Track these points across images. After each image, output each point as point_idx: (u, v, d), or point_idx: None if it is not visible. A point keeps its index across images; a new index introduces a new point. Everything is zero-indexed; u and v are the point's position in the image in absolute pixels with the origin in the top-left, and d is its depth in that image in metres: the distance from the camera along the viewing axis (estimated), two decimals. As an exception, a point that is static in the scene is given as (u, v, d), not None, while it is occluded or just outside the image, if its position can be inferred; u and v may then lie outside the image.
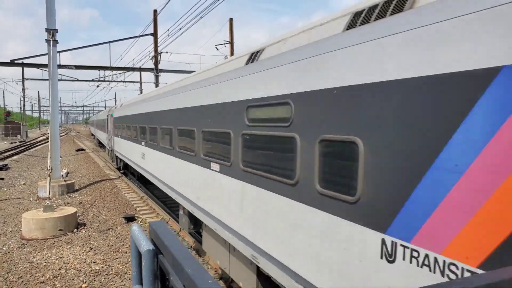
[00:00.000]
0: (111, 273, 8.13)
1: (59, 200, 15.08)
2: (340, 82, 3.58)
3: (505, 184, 2.21)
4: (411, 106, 2.84)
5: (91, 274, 8.09)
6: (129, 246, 9.54)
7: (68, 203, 14.61)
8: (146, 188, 18.31)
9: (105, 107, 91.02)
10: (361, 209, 3.30)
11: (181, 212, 9.87)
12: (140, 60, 62.04)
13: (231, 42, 31.80)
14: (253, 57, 5.67)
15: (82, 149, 40.57)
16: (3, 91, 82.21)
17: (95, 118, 58.18)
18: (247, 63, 5.76)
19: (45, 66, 28.17)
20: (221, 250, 7.05)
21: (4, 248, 9.75)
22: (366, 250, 3.25)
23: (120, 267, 8.46)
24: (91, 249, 9.59)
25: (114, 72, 36.45)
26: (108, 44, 31.73)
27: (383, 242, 3.09)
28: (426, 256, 2.68)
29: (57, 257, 9.02)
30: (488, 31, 2.30)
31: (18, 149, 38.09)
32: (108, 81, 41.05)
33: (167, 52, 31.59)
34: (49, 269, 8.33)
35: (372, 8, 3.52)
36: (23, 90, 53.25)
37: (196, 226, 9.16)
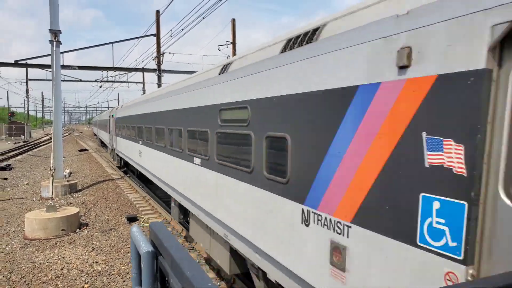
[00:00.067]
0: (113, 274, 8.15)
1: (62, 200, 15.12)
2: (277, 92, 4.67)
3: (362, 165, 3.28)
4: (314, 112, 3.91)
5: (93, 275, 8.10)
6: (131, 246, 9.53)
7: (70, 203, 14.65)
8: (148, 188, 18.34)
9: (108, 107, 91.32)
10: (289, 188, 4.38)
11: (172, 204, 10.94)
12: (143, 60, 62.24)
13: (234, 43, 31.83)
14: (224, 68, 6.68)
15: (85, 149, 40.68)
16: (7, 92, 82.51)
17: (98, 118, 58.70)
18: (220, 73, 6.78)
19: (48, 66, 28.28)
20: (204, 234, 8.09)
21: (7, 248, 9.79)
22: (293, 218, 4.32)
23: (122, 267, 8.47)
24: (93, 249, 9.61)
25: (117, 72, 36.56)
26: (111, 44, 31.85)
27: (302, 211, 4.15)
28: (325, 218, 3.78)
29: (59, 257, 9.04)
30: (354, 60, 3.41)
31: (22, 149, 38.24)
32: (111, 81, 41.19)
33: (169, 53, 31.65)
34: (51, 269, 8.36)
35: (296, 38, 4.53)
36: (27, 90, 53.44)
37: (185, 216, 10.02)
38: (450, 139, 2.57)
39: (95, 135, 65.92)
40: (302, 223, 4.15)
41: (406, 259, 2.86)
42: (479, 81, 2.38)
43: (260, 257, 5.20)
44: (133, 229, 2.24)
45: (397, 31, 3.02)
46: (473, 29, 2.41)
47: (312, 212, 3.97)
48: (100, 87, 46.77)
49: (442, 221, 2.62)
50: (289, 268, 4.49)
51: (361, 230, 3.34)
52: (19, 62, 31.08)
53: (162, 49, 31.25)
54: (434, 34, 2.70)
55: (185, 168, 8.78)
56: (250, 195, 5.41)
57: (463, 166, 2.48)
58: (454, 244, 2.53)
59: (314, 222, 3.95)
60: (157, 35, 31.53)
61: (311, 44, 4.11)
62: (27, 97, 59.02)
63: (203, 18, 19.78)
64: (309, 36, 4.24)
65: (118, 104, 45.79)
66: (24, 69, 35.15)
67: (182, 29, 22.75)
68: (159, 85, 31.83)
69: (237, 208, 5.90)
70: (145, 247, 1.96)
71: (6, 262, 8.78)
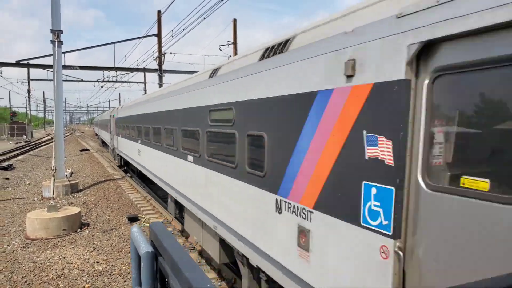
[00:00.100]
0: (114, 273, 8.15)
1: (63, 200, 15.14)
2: (255, 95, 5.24)
3: (320, 159, 3.84)
4: (284, 113, 4.50)
5: (94, 274, 8.11)
6: (132, 246, 9.53)
7: (72, 203, 14.67)
8: (149, 188, 18.35)
9: (109, 107, 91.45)
10: (266, 180, 4.95)
11: (169, 200, 11.59)
12: (144, 60, 62.23)
13: (235, 43, 31.83)
14: (213, 72, 7.27)
15: (87, 149, 40.74)
16: (9, 92, 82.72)
17: (99, 118, 58.93)
18: (209, 77, 7.34)
19: (50, 66, 28.33)
20: (196, 227, 8.60)
21: (8, 247, 9.81)
22: (269, 206, 4.88)
23: (123, 267, 8.47)
24: (94, 249, 9.62)
25: (118, 72, 36.60)
26: (113, 44, 31.88)
27: (276, 200, 4.71)
28: (294, 206, 4.33)
29: (60, 257, 9.06)
30: (314, 69, 3.96)
31: (23, 149, 38.30)
32: (112, 81, 41.22)
33: (171, 53, 31.66)
34: (52, 269, 8.37)
35: (271, 48, 5.10)
36: (29, 90, 53.54)
37: (181, 211, 10.51)
38: (382, 136, 3.12)
39: (96, 135, 66.01)
40: (276, 211, 4.77)
41: (353, 237, 3.44)
42: (401, 89, 2.94)
43: (244, 244, 5.73)
44: (133, 230, 2.23)
45: (345, 45, 3.57)
46: (396, 47, 2.99)
47: (284, 201, 4.58)
48: (102, 87, 46.83)
49: (378, 204, 3.19)
50: (266, 252, 5.08)
51: (321, 215, 3.92)
52: (21, 62, 31.13)
53: (163, 49, 31.28)
54: (371, 49, 3.25)
55: (179, 165, 9.33)
56: (235, 188, 6.02)
57: (392, 158, 3.04)
58: (386, 222, 3.09)
59: (285, 210, 4.56)
60: (159, 35, 31.56)
61: (282, 54, 4.72)
62: (29, 97, 59.12)
63: (204, 18, 19.79)
64: (281, 47, 4.84)
65: (120, 104, 45.90)
66: (26, 69, 35.19)
67: (184, 29, 22.76)
68: (161, 85, 31.86)
69: (224, 201, 6.47)
70: (144, 248, 1.96)
71: (8, 261, 8.80)
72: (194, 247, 10.12)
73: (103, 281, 7.81)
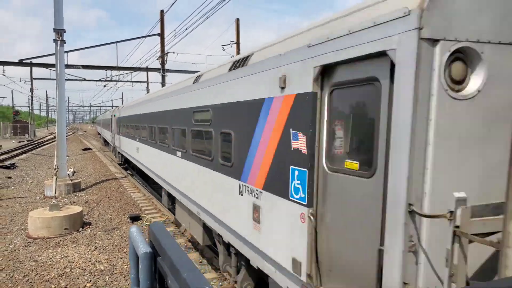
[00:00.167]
0: (116, 273, 8.15)
1: (65, 199, 15.17)
2: (225, 100, 6.43)
3: (266, 151, 4.94)
4: (244, 115, 5.64)
5: (95, 273, 8.12)
6: (133, 245, 9.55)
7: (74, 202, 14.69)
8: (152, 188, 18.37)
9: (112, 106, 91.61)
10: (233, 170, 6.09)
11: (163, 193, 12.81)
12: (147, 60, 62.38)
13: (238, 43, 31.81)
14: (197, 79, 8.30)
15: (89, 149, 40.83)
16: (12, 91, 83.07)
17: (101, 117, 59.33)
18: (193, 83, 8.44)
19: (53, 66, 28.37)
20: (185, 216, 9.70)
21: (10, 246, 9.83)
22: (234, 191, 6.03)
23: (125, 266, 8.48)
24: (96, 248, 9.63)
25: (121, 72, 36.64)
26: (115, 44, 31.93)
27: (239, 185, 5.84)
28: (251, 188, 5.44)
29: (62, 256, 9.07)
30: (262, 81, 5.10)
31: (26, 148, 38.43)
32: (115, 81, 41.26)
33: (173, 52, 31.68)
34: (54, 268, 8.38)
35: (237, 61, 6.20)
36: (31, 89, 53.65)
37: (173, 203, 11.55)
38: (300, 132, 4.22)
39: (98, 134, 66.22)
40: (239, 194, 5.90)
41: (285, 209, 4.55)
42: (310, 98, 4.02)
43: (218, 225, 6.88)
44: (132, 230, 2.22)
45: (279, 65, 4.69)
46: (307, 68, 4.08)
47: (244, 185, 5.71)
48: (104, 86, 46.92)
49: (299, 182, 4.26)
50: (233, 229, 6.17)
51: (267, 194, 5.03)
52: (24, 62, 31.20)
53: (166, 49, 31.30)
54: (294, 68, 4.37)
55: (170, 160, 10.50)
56: (212, 178, 7.14)
57: (305, 148, 4.13)
58: (303, 195, 4.17)
59: (245, 192, 5.68)
60: (161, 34, 31.57)
61: (242, 68, 5.84)
62: (32, 96, 59.28)
63: (207, 18, 19.79)
64: (242, 62, 5.94)
65: (122, 104, 46.06)
66: (29, 68, 35.30)
67: (186, 29, 22.77)
68: (163, 84, 31.87)
69: (205, 190, 7.59)
70: (143, 248, 1.95)
71: (10, 260, 8.82)
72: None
73: (104, 280, 7.81)
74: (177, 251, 1.68)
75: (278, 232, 4.78)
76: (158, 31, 31.75)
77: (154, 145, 12.74)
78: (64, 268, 8.39)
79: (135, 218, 12.48)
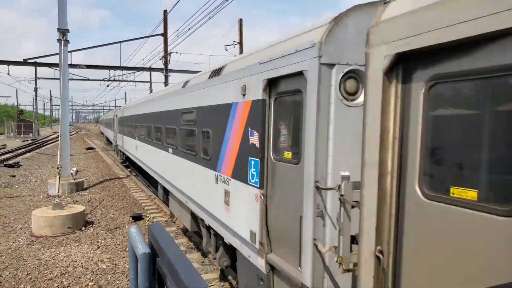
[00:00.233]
0: (118, 272, 8.19)
1: (68, 198, 15.24)
2: (205, 103, 7.54)
3: (234, 146, 5.98)
4: (218, 116, 6.65)
5: (98, 273, 8.15)
6: (136, 245, 9.59)
7: (77, 201, 14.75)
8: (154, 188, 18.41)
9: (115, 106, 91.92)
10: (211, 163, 7.13)
11: (159, 187, 13.83)
12: (150, 60, 62.39)
13: (240, 43, 31.82)
14: (185, 84, 9.48)
15: (92, 148, 40.97)
16: (17, 90, 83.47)
17: (104, 117, 59.74)
18: (182, 87, 9.61)
19: (57, 65, 28.49)
20: (177, 206, 10.67)
21: (14, 244, 9.89)
22: (212, 180, 7.06)
23: (127, 266, 8.51)
24: (98, 247, 9.67)
25: (124, 71, 36.74)
26: (119, 44, 32.01)
27: (215, 175, 6.87)
28: (223, 177, 6.47)
29: (65, 255, 9.11)
30: (230, 89, 6.11)
31: (30, 147, 38.62)
32: (118, 80, 41.40)
33: (176, 52, 31.71)
34: (57, 267, 8.42)
35: (214, 71, 7.33)
36: (36, 89, 53.89)
37: (168, 196, 12.42)
38: (255, 130, 5.23)
39: (101, 133, 66.48)
40: (215, 182, 6.91)
41: (246, 191, 5.54)
42: (261, 104, 5.03)
43: (201, 210, 7.90)
44: (131, 230, 2.23)
45: (241, 76, 5.74)
46: (258, 80, 5.10)
47: (219, 175, 6.75)
48: (108, 86, 47.05)
49: (254, 170, 5.27)
50: (212, 213, 7.20)
51: (234, 181, 6.04)
52: (28, 61, 31.35)
53: (169, 49, 31.34)
54: (250, 80, 5.42)
55: (164, 156, 11.57)
56: (195, 170, 8.19)
57: (258, 143, 5.13)
58: (257, 180, 5.17)
59: (219, 181, 6.70)
60: (165, 34, 31.62)
61: (217, 77, 6.96)
62: (36, 96, 59.55)
63: (210, 18, 19.82)
64: (218, 71, 7.07)
65: (125, 103, 46.28)
66: (33, 67, 35.46)
67: (189, 29, 22.82)
68: (166, 84, 31.92)
69: (191, 181, 8.62)
70: (141, 249, 1.96)
71: (13, 258, 8.87)
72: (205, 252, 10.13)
73: (106, 280, 7.84)
74: (176, 252, 1.69)
75: (240, 211, 5.84)
76: (161, 31, 31.81)
77: (150, 143, 13.98)
78: (67, 267, 8.43)
79: (137, 218, 12.53)
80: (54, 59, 31.77)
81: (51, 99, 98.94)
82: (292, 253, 4.52)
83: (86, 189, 17.28)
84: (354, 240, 3.33)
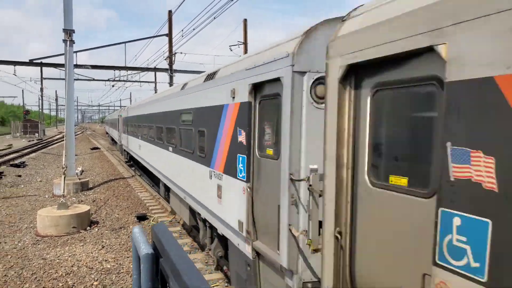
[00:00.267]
0: (122, 272, 8.20)
1: (73, 198, 15.31)
2: (201, 104, 8.13)
3: (225, 144, 6.60)
4: (212, 116, 7.23)
5: (102, 272, 8.17)
6: (140, 245, 9.63)
7: (82, 201, 14.81)
8: (159, 187, 18.44)
9: (120, 106, 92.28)
10: (206, 160, 7.68)
11: (160, 184, 14.74)
12: (155, 60, 62.65)
13: (245, 43, 31.82)
14: (184, 86, 10.24)
15: (97, 148, 41.15)
16: (23, 90, 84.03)
17: (109, 117, 60.20)
18: (181, 89, 10.32)
19: (62, 65, 28.65)
20: (177, 202, 11.35)
21: (19, 244, 9.95)
22: (207, 176, 7.63)
23: (131, 265, 8.52)
24: (103, 247, 9.70)
25: (129, 72, 36.88)
26: (124, 44, 32.13)
27: (209, 171, 7.44)
28: (216, 173, 7.03)
29: (70, 254, 9.15)
30: (222, 92, 6.76)
31: (35, 147, 38.86)
32: (123, 80, 41.56)
33: (181, 53, 31.79)
34: (61, 266, 8.46)
35: (209, 75, 7.97)
36: (41, 89, 54.26)
37: (169, 192, 13.13)
38: (242, 129, 5.73)
39: (106, 133, 66.80)
40: (209, 178, 7.49)
41: (235, 185, 6.11)
42: (248, 106, 5.57)
43: (198, 205, 8.47)
44: (134, 230, 2.23)
45: (231, 81, 6.34)
46: (245, 85, 5.65)
47: (212, 171, 7.33)
48: (113, 86, 47.25)
49: (242, 165, 5.79)
50: (207, 206, 7.77)
51: (225, 175, 6.61)
52: (34, 61, 31.56)
53: (174, 49, 31.41)
54: (238, 84, 5.98)
55: (165, 155, 12.19)
56: (193, 167, 8.78)
57: (245, 141, 5.63)
58: (244, 174, 5.70)
59: (213, 176, 7.27)
60: (169, 35, 31.70)
61: (211, 80, 7.62)
62: (42, 96, 59.95)
63: (214, 18, 19.84)
64: (212, 75, 7.72)
65: (130, 103, 46.55)
66: (39, 68, 35.69)
67: (194, 29, 22.86)
68: (171, 84, 32.00)
69: (189, 178, 9.24)
70: (144, 249, 1.95)
71: (18, 258, 8.92)
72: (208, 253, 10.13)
73: (111, 279, 7.86)
74: (178, 253, 1.68)
75: (231, 203, 6.42)
76: (166, 31, 31.90)
77: (152, 142, 14.68)
78: (72, 266, 8.46)
79: (142, 218, 12.55)
80: (60, 60, 31.99)
81: (56, 99, 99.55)
82: (272, 239, 5.04)
83: (91, 189, 17.35)
84: (321, 224, 3.73)
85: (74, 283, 7.67)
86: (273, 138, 5.14)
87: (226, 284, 7.99)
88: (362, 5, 3.65)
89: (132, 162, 25.76)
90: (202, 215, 8.28)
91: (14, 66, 32.39)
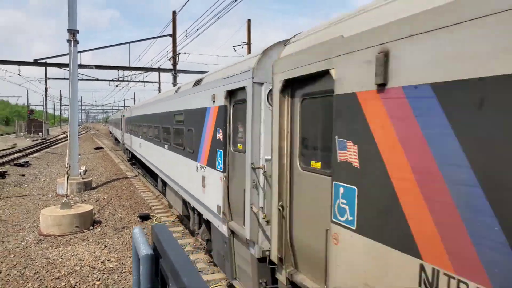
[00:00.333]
0: (125, 271, 8.21)
1: (77, 198, 15.34)
2: (190, 106, 9.23)
3: (207, 141, 7.73)
4: (198, 117, 8.36)
5: (105, 272, 8.18)
6: (142, 244, 9.66)
7: (85, 200, 14.85)
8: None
9: (124, 106, 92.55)
10: (193, 155, 8.69)
11: (159, 180, 15.58)
12: (158, 60, 62.69)
13: (249, 43, 31.81)
14: (177, 90, 11.60)
15: (101, 148, 41.27)
16: (27, 90, 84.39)
17: (113, 117, 60.64)
18: (175, 92, 11.68)
19: (67, 65, 28.75)
20: (172, 195, 12.36)
21: (22, 243, 9.98)
22: (194, 169, 8.68)
23: (133, 265, 8.52)
24: (105, 246, 9.71)
25: (133, 72, 36.95)
26: (128, 44, 32.21)
27: (196, 165, 8.48)
28: (201, 166, 8.15)
29: (72, 254, 9.16)
30: (206, 96, 7.82)
31: (39, 147, 39.03)
32: (127, 81, 41.64)
33: (185, 53, 31.82)
34: (64, 266, 8.47)
35: (196, 81, 9.12)
36: (46, 89, 54.48)
37: (166, 187, 14.16)
38: (220, 128, 6.70)
39: (110, 133, 67.04)
40: (196, 171, 8.54)
41: (215, 175, 7.15)
42: (224, 109, 6.60)
43: (188, 196, 9.49)
44: (135, 231, 2.22)
45: (213, 87, 7.40)
46: (222, 91, 6.70)
47: (198, 164, 8.32)
48: (117, 86, 47.38)
49: (220, 158, 6.75)
50: (194, 196, 8.83)
51: (208, 167, 7.64)
52: (38, 61, 31.69)
53: (177, 49, 31.45)
54: (217, 90, 7.01)
55: (161, 152, 13.35)
56: (184, 162, 9.86)
57: (222, 137, 6.62)
58: (221, 166, 6.69)
59: (199, 169, 8.30)
60: (173, 35, 31.74)
61: (197, 86, 8.75)
62: (46, 96, 60.19)
63: (218, 18, 19.84)
64: (198, 82, 8.87)
65: (134, 103, 46.75)
66: (43, 68, 35.83)
67: (197, 29, 22.86)
68: (174, 85, 32.04)
69: (181, 172, 10.28)
70: (144, 250, 1.94)
71: (21, 257, 8.95)
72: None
73: (113, 279, 7.87)
74: (178, 253, 1.66)
75: (212, 191, 7.46)
76: (170, 32, 31.95)
77: (151, 140, 15.91)
78: (74, 266, 8.47)
79: (145, 217, 12.56)
80: (64, 60, 32.11)
81: (60, 99, 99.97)
82: (241, 217, 6.05)
83: (94, 188, 17.40)
84: None
85: (77, 282, 7.68)
86: (243, 136, 6.07)
87: (228, 284, 7.98)
88: (299, 33, 4.89)
89: (134, 160, 26.47)
90: (191, 205, 9.36)
91: (19, 66, 32.53)
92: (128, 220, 12.28)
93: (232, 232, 6.50)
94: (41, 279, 7.80)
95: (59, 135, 65.24)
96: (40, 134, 63.02)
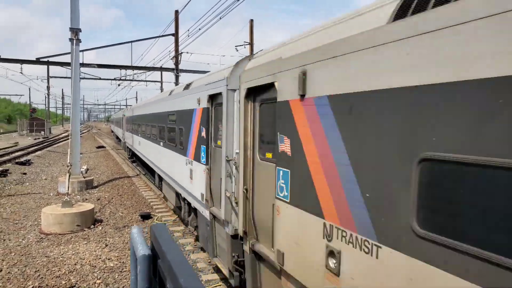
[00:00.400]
0: (125, 270, 8.21)
1: (78, 196, 15.37)
2: (180, 107, 10.33)
3: (194, 138, 8.79)
4: (187, 117, 9.49)
5: (105, 271, 8.19)
6: (143, 244, 9.70)
7: (86, 199, 14.87)
8: (161, 185, 18.47)
9: (126, 105, 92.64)
10: (183, 151, 9.82)
11: (156, 175, 16.67)
12: (161, 59, 62.77)
13: (251, 43, 31.79)
14: (171, 92, 12.75)
15: (103, 147, 41.33)
16: (29, 89, 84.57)
17: (114, 116, 60.86)
18: (169, 94, 12.72)
19: (69, 64, 28.79)
20: (167, 188, 13.44)
21: (23, 241, 9.99)
22: (184, 163, 9.78)
23: (134, 264, 8.53)
24: (106, 245, 9.72)
25: (135, 71, 36.99)
26: (130, 43, 32.24)
27: (186, 160, 9.59)
28: (189, 160, 9.29)
29: (73, 252, 9.18)
30: (192, 99, 8.91)
31: (41, 145, 39.11)
32: (129, 80, 41.69)
33: (187, 52, 31.83)
34: (65, 264, 8.48)
35: (186, 85, 10.32)
36: (48, 87, 54.60)
37: (161, 182, 15.33)
38: (204, 127, 7.81)
39: (112, 132, 67.15)
40: (186, 165, 9.51)
41: (200, 168, 8.18)
42: (207, 110, 7.68)
43: (180, 188, 10.53)
44: (133, 231, 2.22)
45: (198, 91, 8.36)
46: (205, 96, 7.74)
47: (187, 159, 9.34)
48: (119, 85, 47.43)
49: (203, 153, 7.84)
50: (184, 187, 9.88)
51: (195, 162, 8.55)
52: (41, 60, 31.74)
53: (180, 49, 31.45)
54: (202, 94, 8.04)
55: (158, 149, 14.39)
56: (175, 157, 10.89)
57: (205, 135, 7.70)
58: (205, 159, 7.78)
59: (188, 163, 9.29)
60: (176, 34, 31.74)
61: (187, 89, 9.69)
62: (48, 94, 60.32)
63: (220, 18, 19.82)
64: (188, 85, 9.91)
65: (136, 103, 46.87)
66: (46, 66, 35.89)
67: (200, 29, 22.87)
68: (176, 84, 32.06)
69: (174, 166, 11.22)
70: (141, 250, 1.94)
71: (22, 255, 8.96)
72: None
73: (114, 278, 7.87)
74: (176, 254, 1.66)
75: (197, 182, 8.43)
76: (173, 31, 31.96)
77: (149, 138, 17.04)
78: (75, 264, 8.49)
79: (146, 217, 12.57)
80: (66, 58, 32.15)
81: (63, 98, 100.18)
82: (219, 202, 6.99)
83: (95, 187, 17.42)
84: None
85: (77, 281, 7.69)
86: (220, 134, 6.99)
87: (227, 285, 7.97)
88: (261, 50, 6.19)
89: (135, 158, 27.33)
90: (182, 196, 10.46)
91: (21, 64, 32.58)
92: (129, 219, 12.29)
93: (214, 216, 7.48)
94: (42, 277, 7.81)
95: (61, 134, 65.38)
96: (42, 132, 63.13)
